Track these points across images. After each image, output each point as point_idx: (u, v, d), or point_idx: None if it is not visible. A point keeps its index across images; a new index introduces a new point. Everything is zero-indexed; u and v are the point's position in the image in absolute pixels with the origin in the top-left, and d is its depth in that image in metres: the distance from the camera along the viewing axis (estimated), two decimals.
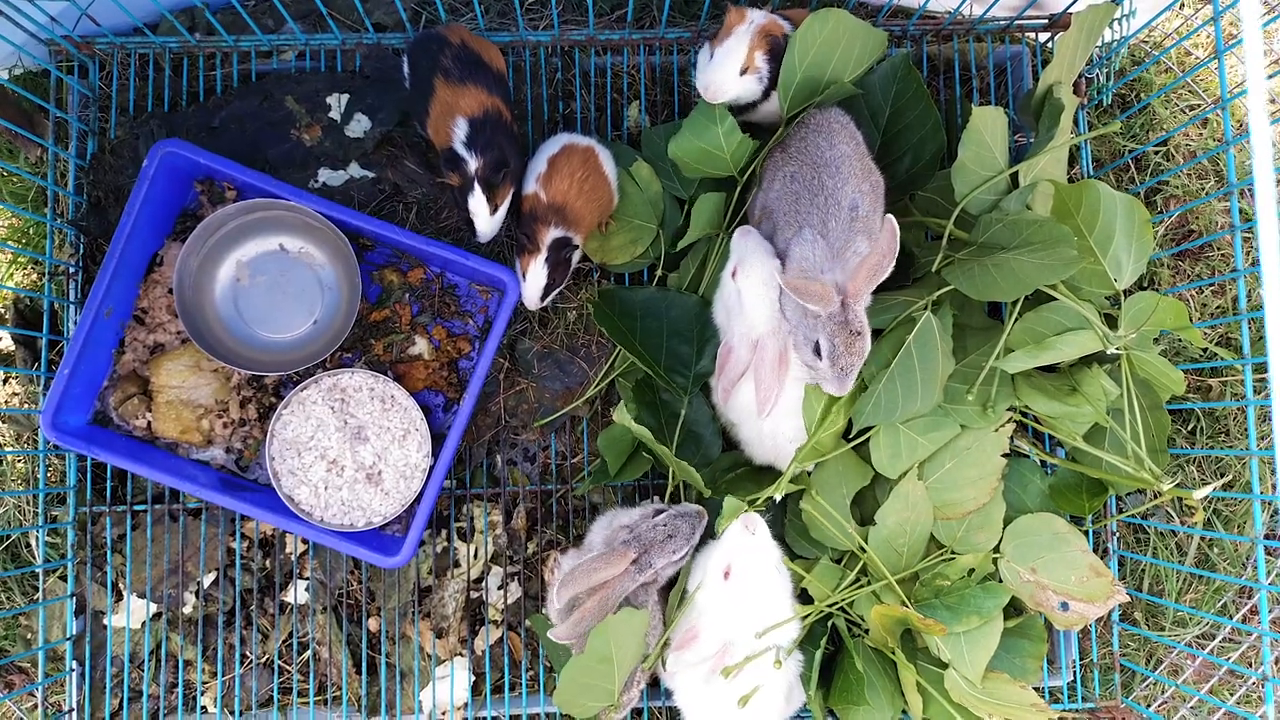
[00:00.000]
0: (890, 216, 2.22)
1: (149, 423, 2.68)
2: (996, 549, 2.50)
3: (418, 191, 2.83)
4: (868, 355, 2.31)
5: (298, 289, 2.78)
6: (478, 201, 2.50)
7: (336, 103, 2.85)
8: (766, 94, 2.60)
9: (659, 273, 2.78)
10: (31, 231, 3.02)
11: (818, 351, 2.29)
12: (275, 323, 2.77)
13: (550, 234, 2.60)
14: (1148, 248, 2.42)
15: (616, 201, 2.75)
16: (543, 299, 2.63)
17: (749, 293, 2.42)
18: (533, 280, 2.60)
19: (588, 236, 2.73)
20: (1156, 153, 3.12)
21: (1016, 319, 2.44)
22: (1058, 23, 2.84)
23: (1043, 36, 2.96)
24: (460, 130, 2.51)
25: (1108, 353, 2.40)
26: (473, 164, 2.49)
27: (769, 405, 2.38)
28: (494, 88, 2.59)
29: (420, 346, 2.79)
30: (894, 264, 2.20)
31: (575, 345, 2.81)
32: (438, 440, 2.69)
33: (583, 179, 2.63)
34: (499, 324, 2.67)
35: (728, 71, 2.48)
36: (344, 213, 2.65)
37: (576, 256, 2.69)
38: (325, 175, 2.83)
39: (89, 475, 2.76)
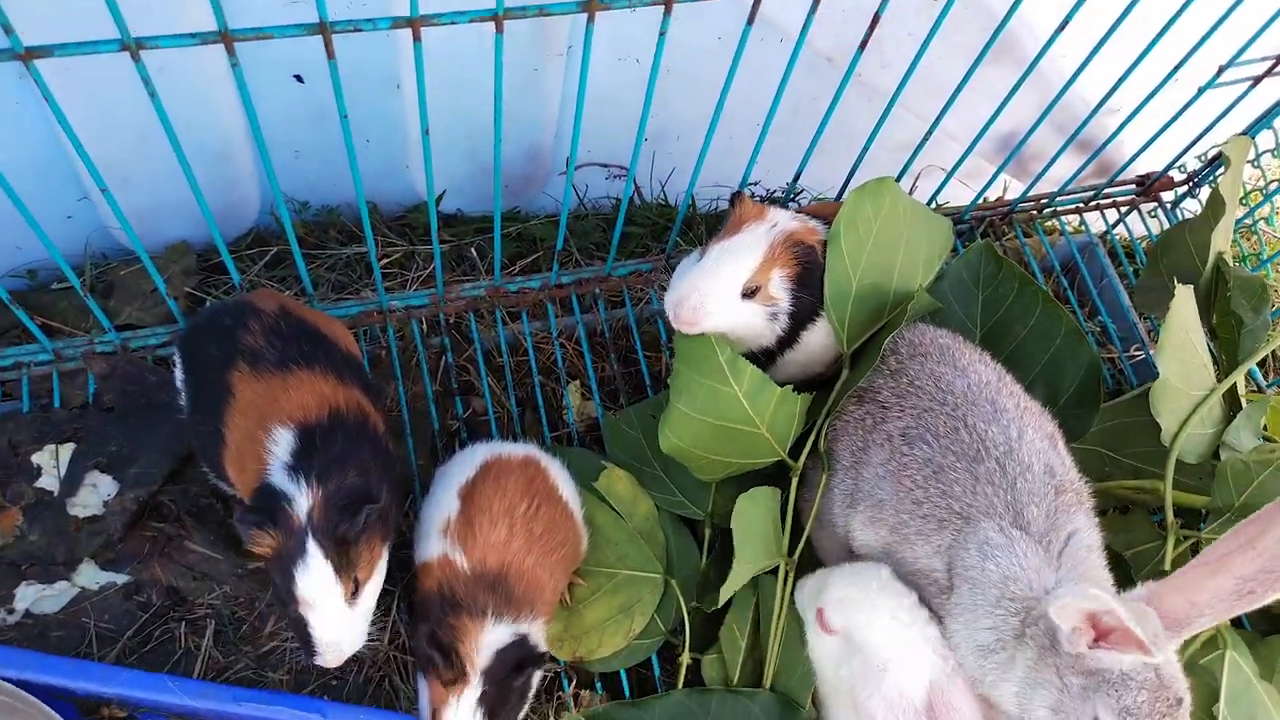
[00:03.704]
0: None
1: None
2: None
3: (215, 594, 1.53)
4: None
5: None
6: (315, 577, 1.25)
7: (51, 460, 1.59)
8: (789, 339, 1.57)
9: (684, 658, 1.55)
10: None
11: None
12: None
13: (486, 636, 1.36)
14: None
15: (585, 545, 1.56)
16: None
17: (865, 620, 1.30)
18: None
19: (550, 620, 1.50)
20: None
21: None
22: (1152, 187, 2.05)
23: (1113, 216, 2.18)
24: (281, 446, 1.31)
25: None
26: (303, 501, 1.27)
27: None
28: (346, 373, 1.43)
29: None
30: None
31: None
32: None
33: (529, 515, 1.44)
34: None
35: (722, 283, 1.45)
36: (61, 671, 1.32)
37: (539, 676, 1.44)
38: (29, 596, 1.51)
39: None
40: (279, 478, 1.30)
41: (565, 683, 1.55)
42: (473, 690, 1.33)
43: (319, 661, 1.29)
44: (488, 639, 1.35)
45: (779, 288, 1.50)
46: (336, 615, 1.26)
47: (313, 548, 1.24)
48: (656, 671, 1.58)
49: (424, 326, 1.81)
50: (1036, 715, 1.20)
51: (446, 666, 1.32)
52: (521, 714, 1.41)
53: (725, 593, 1.43)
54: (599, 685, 1.57)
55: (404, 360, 1.77)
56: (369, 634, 1.34)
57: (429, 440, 1.72)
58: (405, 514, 1.61)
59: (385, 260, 1.90)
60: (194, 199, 1.78)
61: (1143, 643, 1.04)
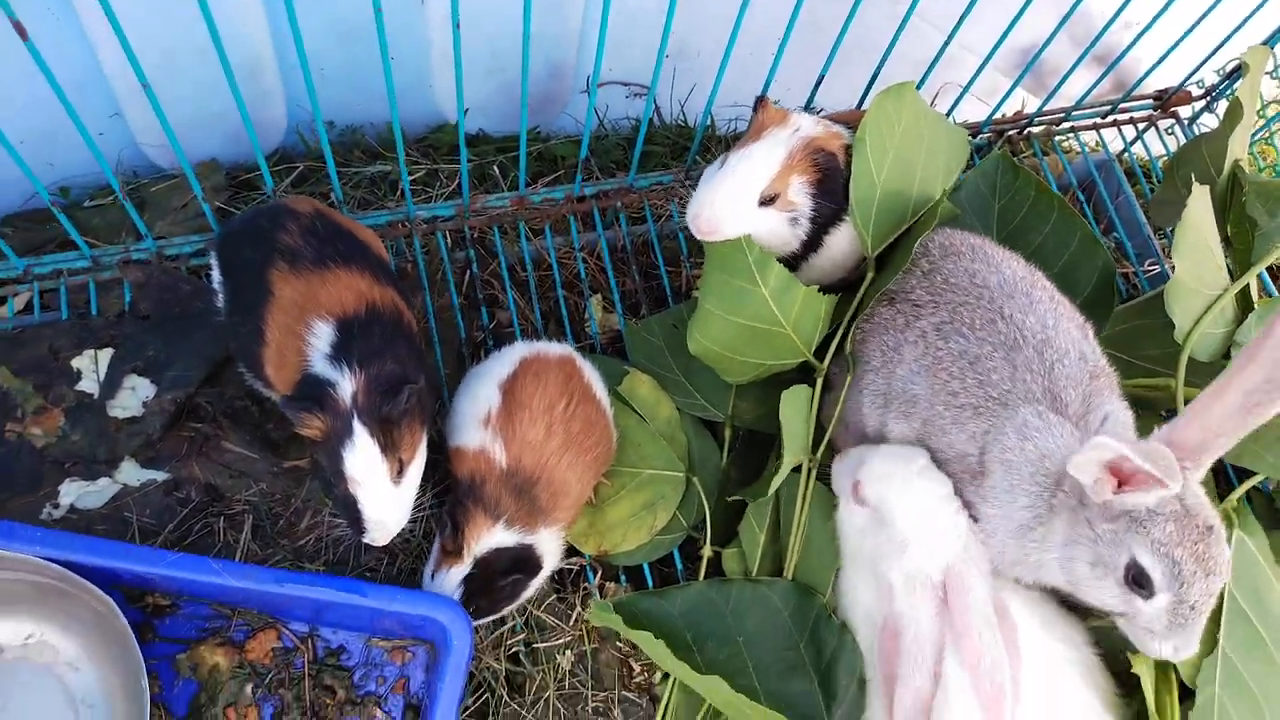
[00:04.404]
0: None
1: None
2: None
3: (252, 491, 1.58)
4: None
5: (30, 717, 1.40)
6: (362, 456, 1.30)
7: (90, 365, 1.64)
8: (812, 243, 1.59)
9: (705, 552, 1.59)
10: None
11: (1137, 581, 1.19)
12: None
13: (492, 535, 1.42)
14: None
15: (615, 446, 1.60)
16: None
17: (897, 499, 1.35)
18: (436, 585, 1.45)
19: (574, 521, 1.55)
20: None
21: None
22: (1169, 102, 2.06)
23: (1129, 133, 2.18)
24: (321, 339, 1.35)
25: None
26: (347, 386, 1.31)
27: (1007, 695, 1.21)
28: (380, 274, 1.47)
29: None
30: None
31: (582, 715, 1.52)
32: None
33: (567, 415, 1.49)
34: (440, 705, 1.37)
35: (738, 191, 1.47)
36: (108, 553, 1.38)
37: (536, 585, 1.50)
38: (73, 492, 1.57)
39: None
40: (321, 366, 1.34)
41: (590, 575, 1.60)
42: (462, 569, 1.41)
43: (366, 539, 1.34)
44: (492, 537, 1.42)
45: (798, 193, 1.52)
46: (383, 493, 1.32)
47: (359, 428, 1.29)
48: (679, 565, 1.63)
49: (449, 240, 1.84)
50: (1079, 574, 1.25)
51: (450, 538, 1.40)
52: (499, 613, 1.49)
53: (774, 484, 1.47)
54: (623, 578, 1.62)
55: (430, 273, 1.81)
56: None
57: (456, 349, 1.76)
58: (435, 421, 1.65)
59: (410, 178, 1.93)
60: (222, 117, 1.82)
61: (1155, 475, 1.09)
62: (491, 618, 1.50)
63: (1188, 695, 1.31)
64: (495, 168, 1.96)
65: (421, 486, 1.46)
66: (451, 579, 1.41)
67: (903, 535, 1.32)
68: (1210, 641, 1.28)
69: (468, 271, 1.83)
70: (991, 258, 1.44)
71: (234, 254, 1.51)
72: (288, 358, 1.40)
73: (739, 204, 1.48)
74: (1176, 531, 1.15)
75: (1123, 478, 1.18)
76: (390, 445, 1.31)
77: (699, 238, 1.50)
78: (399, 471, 1.33)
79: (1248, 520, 1.39)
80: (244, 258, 1.48)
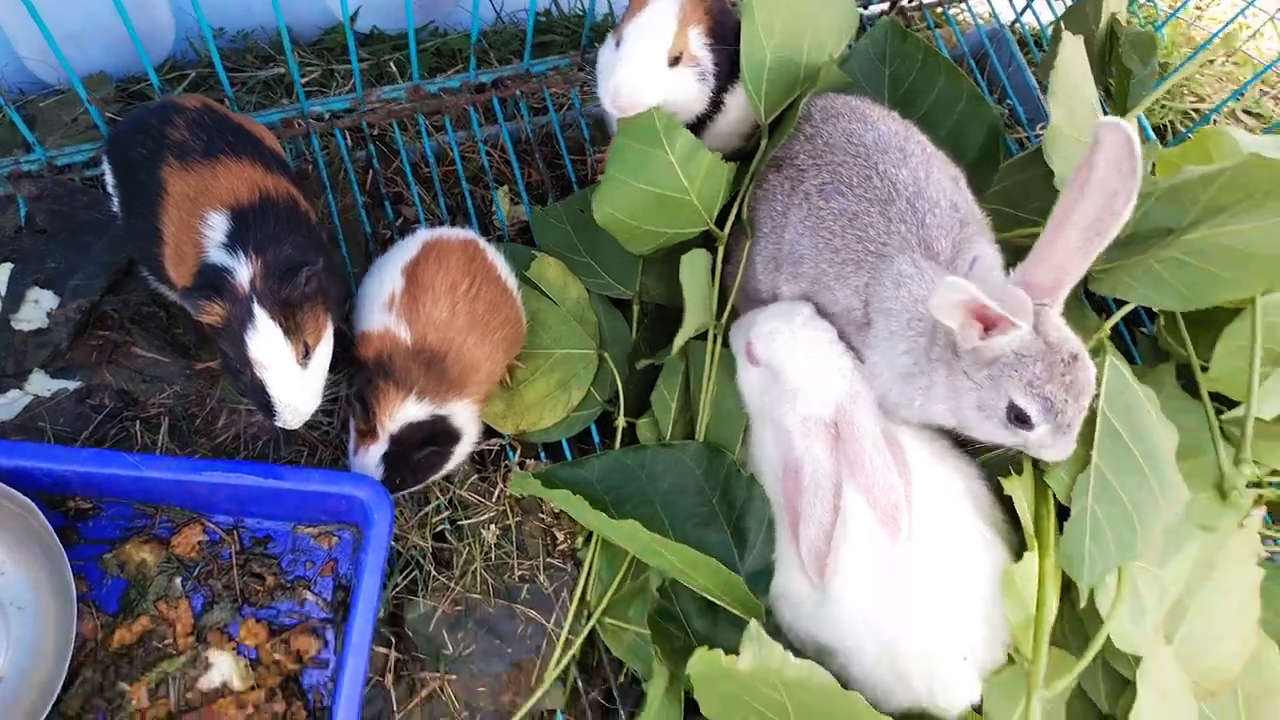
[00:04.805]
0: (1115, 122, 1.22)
1: None
2: None
3: (166, 394, 1.59)
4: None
5: None
6: (265, 339, 1.31)
7: None
8: (717, 101, 1.62)
9: (619, 422, 1.65)
10: None
11: (1019, 418, 1.28)
12: None
13: (404, 408, 1.45)
14: None
15: (525, 329, 1.64)
16: None
17: (785, 352, 1.42)
18: (357, 466, 1.48)
19: (488, 400, 1.59)
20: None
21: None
22: None
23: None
24: (215, 230, 1.36)
25: None
26: (244, 272, 1.32)
27: (902, 512, 1.31)
28: (273, 164, 1.47)
29: (223, 668, 1.47)
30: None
31: (509, 583, 1.58)
32: None
33: (471, 295, 1.51)
34: (366, 584, 1.42)
35: (648, 60, 1.49)
36: (22, 454, 1.39)
37: (458, 458, 1.54)
38: None
39: None
40: (217, 256, 1.35)
41: (511, 453, 1.65)
42: (379, 447, 1.44)
43: (279, 423, 1.36)
44: (404, 411, 1.44)
45: (699, 45, 1.54)
46: (291, 375, 1.33)
47: (259, 311, 1.30)
48: (596, 440, 1.69)
49: (349, 139, 1.83)
50: (969, 418, 1.32)
51: (363, 419, 1.43)
52: (422, 484, 1.53)
53: (678, 342, 1.52)
54: (543, 455, 1.67)
55: (332, 173, 1.80)
56: (321, 416, 1.42)
57: (363, 247, 1.77)
58: (346, 319, 1.66)
59: (305, 80, 1.91)
60: (106, 28, 1.77)
61: (1005, 315, 1.15)
62: (415, 488, 1.54)
63: (1065, 515, 1.40)
64: (392, 64, 1.94)
65: (336, 379, 1.48)
66: (371, 458, 1.45)
67: (794, 384, 1.38)
68: (1083, 459, 1.36)
69: (370, 170, 1.82)
70: (867, 116, 1.48)
71: (124, 155, 1.49)
72: (185, 252, 1.41)
73: (653, 69, 1.50)
74: (1045, 369, 1.23)
75: (987, 322, 1.24)
76: (293, 328, 1.33)
77: (619, 114, 1.51)
78: (305, 354, 1.35)
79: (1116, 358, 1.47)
80: (134, 157, 1.47)
